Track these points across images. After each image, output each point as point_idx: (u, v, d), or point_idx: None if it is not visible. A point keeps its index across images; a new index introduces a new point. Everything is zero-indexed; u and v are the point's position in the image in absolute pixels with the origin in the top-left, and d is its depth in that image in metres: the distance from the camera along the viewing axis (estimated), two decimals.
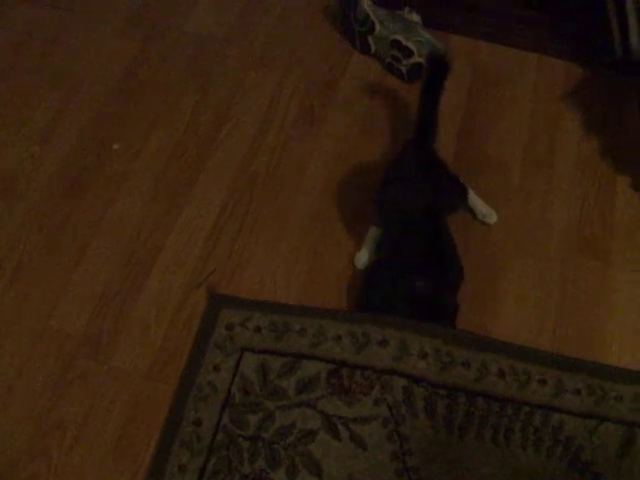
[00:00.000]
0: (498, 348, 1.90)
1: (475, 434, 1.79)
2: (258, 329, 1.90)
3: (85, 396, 1.87)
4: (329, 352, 1.88)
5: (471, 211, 2.13)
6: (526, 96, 2.45)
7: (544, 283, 2.07)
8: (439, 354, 1.89)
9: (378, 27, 2.41)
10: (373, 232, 2.05)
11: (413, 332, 1.89)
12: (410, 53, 2.35)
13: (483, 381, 1.86)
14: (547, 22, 2.58)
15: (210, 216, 2.15)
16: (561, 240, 2.14)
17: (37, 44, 2.51)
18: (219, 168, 2.24)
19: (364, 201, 2.16)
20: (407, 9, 2.47)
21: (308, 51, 2.53)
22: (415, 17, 2.42)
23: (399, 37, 2.36)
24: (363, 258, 2.03)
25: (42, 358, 1.92)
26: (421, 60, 2.35)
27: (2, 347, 1.93)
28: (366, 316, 1.91)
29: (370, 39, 2.44)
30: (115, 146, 2.26)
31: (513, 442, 1.78)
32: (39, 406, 1.86)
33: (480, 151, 2.31)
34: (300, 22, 2.61)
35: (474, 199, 2.14)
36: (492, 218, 2.15)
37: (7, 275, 2.04)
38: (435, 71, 2.01)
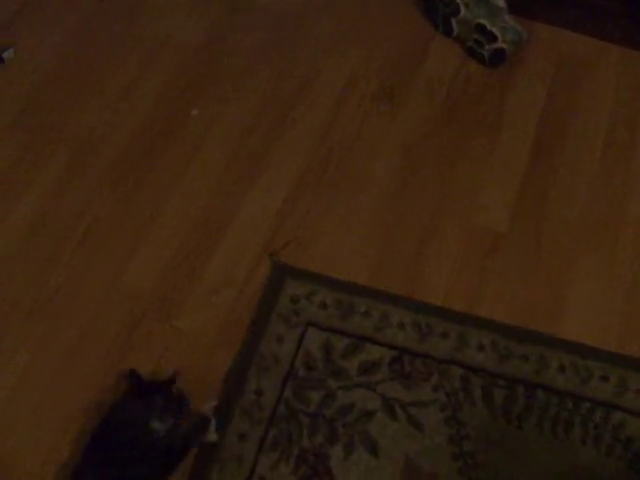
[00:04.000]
0: (558, 345, 1.92)
1: (534, 425, 1.80)
2: (324, 305, 1.92)
3: (150, 355, 1.91)
4: (393, 338, 1.91)
5: None
6: (608, 88, 2.42)
7: (613, 280, 2.06)
8: (497, 347, 1.91)
9: (463, 10, 2.39)
10: None
11: (472, 326, 1.93)
12: (494, 38, 2.33)
13: (542, 374, 1.87)
14: (635, 15, 2.52)
15: (284, 188, 2.16)
16: (634, 236, 2.11)
17: (120, 10, 2.54)
18: (296, 141, 2.26)
19: (442, 189, 2.18)
20: None
21: (389, 30, 2.52)
22: (500, 2, 2.39)
23: (484, 21, 2.34)
24: None
25: (111, 314, 1.96)
26: (504, 46, 2.33)
27: (72, 303, 1.98)
28: (430, 307, 1.95)
29: (453, 21, 2.42)
30: (193, 112, 2.28)
31: (572, 436, 1.79)
32: (106, 361, 1.90)
33: (559, 141, 2.29)
34: (382, 1, 2.57)
35: None
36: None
37: (80, 232, 2.08)
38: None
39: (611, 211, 2.18)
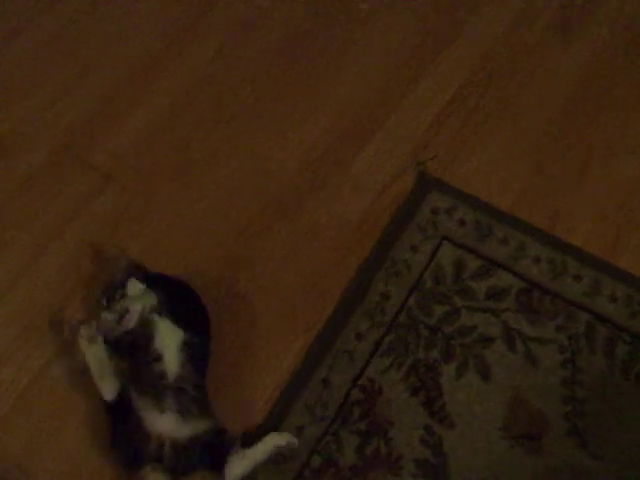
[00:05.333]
0: None
1: None
2: (462, 223, 1.90)
3: (281, 241, 1.94)
4: (526, 270, 1.87)
5: None
6: None
7: None
8: (630, 302, 1.85)
9: None
10: None
11: (609, 275, 1.87)
12: None
13: None
14: None
15: (443, 99, 2.11)
16: None
17: None
18: (462, 54, 2.19)
19: (608, 130, 2.08)
20: None
21: None
22: None
23: None
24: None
25: (250, 192, 2.00)
26: None
27: (212, 173, 2.02)
28: (569, 247, 1.89)
29: None
30: (362, 5, 2.23)
31: None
32: (240, 238, 1.94)
33: None
34: None
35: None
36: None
37: (237, 101, 2.12)
38: None
39: None
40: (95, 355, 1.65)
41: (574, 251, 1.89)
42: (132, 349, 1.64)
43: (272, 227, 1.95)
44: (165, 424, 1.57)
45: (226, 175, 2.01)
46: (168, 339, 1.61)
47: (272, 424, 1.72)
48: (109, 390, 1.63)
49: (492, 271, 1.85)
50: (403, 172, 1.99)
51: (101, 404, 1.65)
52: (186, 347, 1.61)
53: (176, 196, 2.00)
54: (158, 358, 1.59)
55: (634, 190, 1.99)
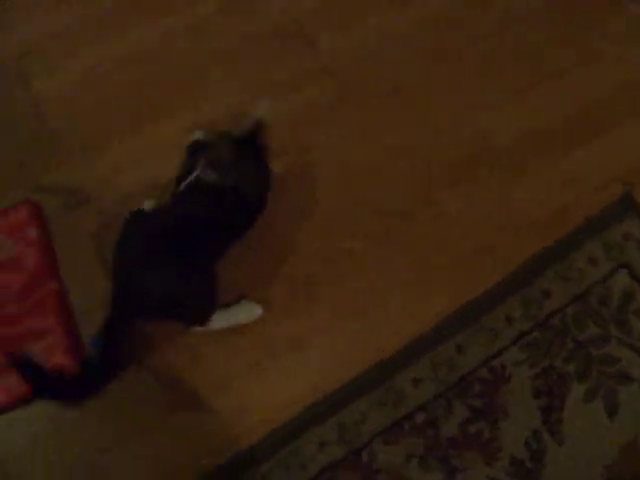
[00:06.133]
0: None
1: None
2: None
3: (470, 202, 1.93)
4: None
5: None
6: None
7: None
8: None
9: None
10: None
11: None
12: None
13: None
14: None
15: None
16: None
17: None
18: None
19: None
20: None
21: None
22: None
23: None
24: None
25: (452, 143, 2.00)
26: None
27: (418, 109, 2.02)
28: None
29: None
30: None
31: None
32: (425, 183, 1.94)
33: None
34: None
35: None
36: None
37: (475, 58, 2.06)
38: None
39: None
40: None
41: None
42: None
43: (464, 184, 1.95)
44: None
45: (431, 117, 2.00)
46: None
47: (392, 367, 1.74)
48: None
49: None
50: (607, 186, 1.93)
51: None
52: None
53: (373, 121, 2.00)
54: None
55: None
